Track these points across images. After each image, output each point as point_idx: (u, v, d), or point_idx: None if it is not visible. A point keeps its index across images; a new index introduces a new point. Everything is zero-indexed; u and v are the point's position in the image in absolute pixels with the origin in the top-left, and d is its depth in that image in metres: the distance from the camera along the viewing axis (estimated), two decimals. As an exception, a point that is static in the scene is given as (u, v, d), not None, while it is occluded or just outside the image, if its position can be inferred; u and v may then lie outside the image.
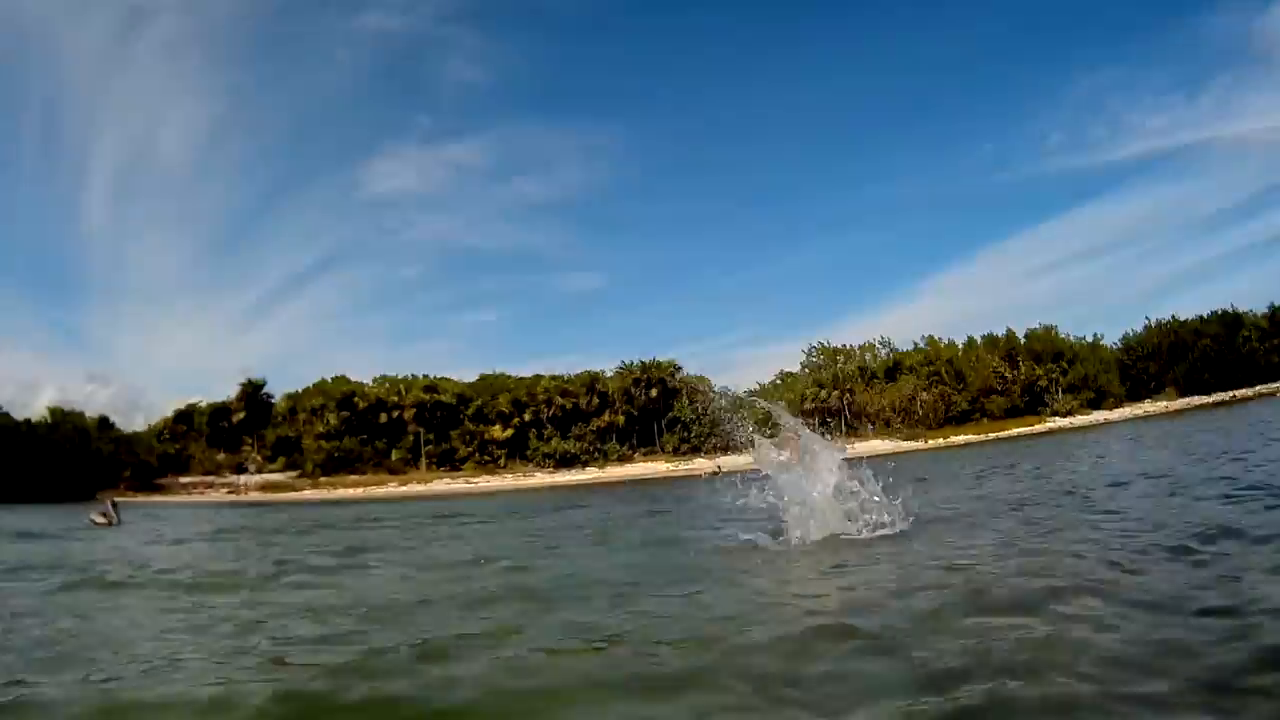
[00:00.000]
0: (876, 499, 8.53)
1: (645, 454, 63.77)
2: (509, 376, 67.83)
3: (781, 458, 8.77)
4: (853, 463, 9.09)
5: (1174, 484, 10.05)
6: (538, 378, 66.51)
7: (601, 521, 14.82)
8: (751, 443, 9.49)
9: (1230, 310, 79.72)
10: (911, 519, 8.53)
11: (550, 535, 12.47)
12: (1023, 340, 73.49)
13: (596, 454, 61.56)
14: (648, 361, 65.47)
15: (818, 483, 8.55)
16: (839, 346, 73.66)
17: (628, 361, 66.45)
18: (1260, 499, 7.43)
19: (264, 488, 63.72)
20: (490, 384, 66.38)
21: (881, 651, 4.07)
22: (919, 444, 62.58)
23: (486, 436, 62.71)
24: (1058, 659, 3.68)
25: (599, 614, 5.44)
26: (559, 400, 63.16)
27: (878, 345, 74.52)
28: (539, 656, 4.61)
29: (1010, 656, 3.78)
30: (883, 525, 8.24)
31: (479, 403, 63.86)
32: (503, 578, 7.41)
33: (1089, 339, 75.88)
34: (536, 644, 4.80)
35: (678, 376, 65.76)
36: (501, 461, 62.26)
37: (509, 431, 62.73)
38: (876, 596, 5.30)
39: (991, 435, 63.67)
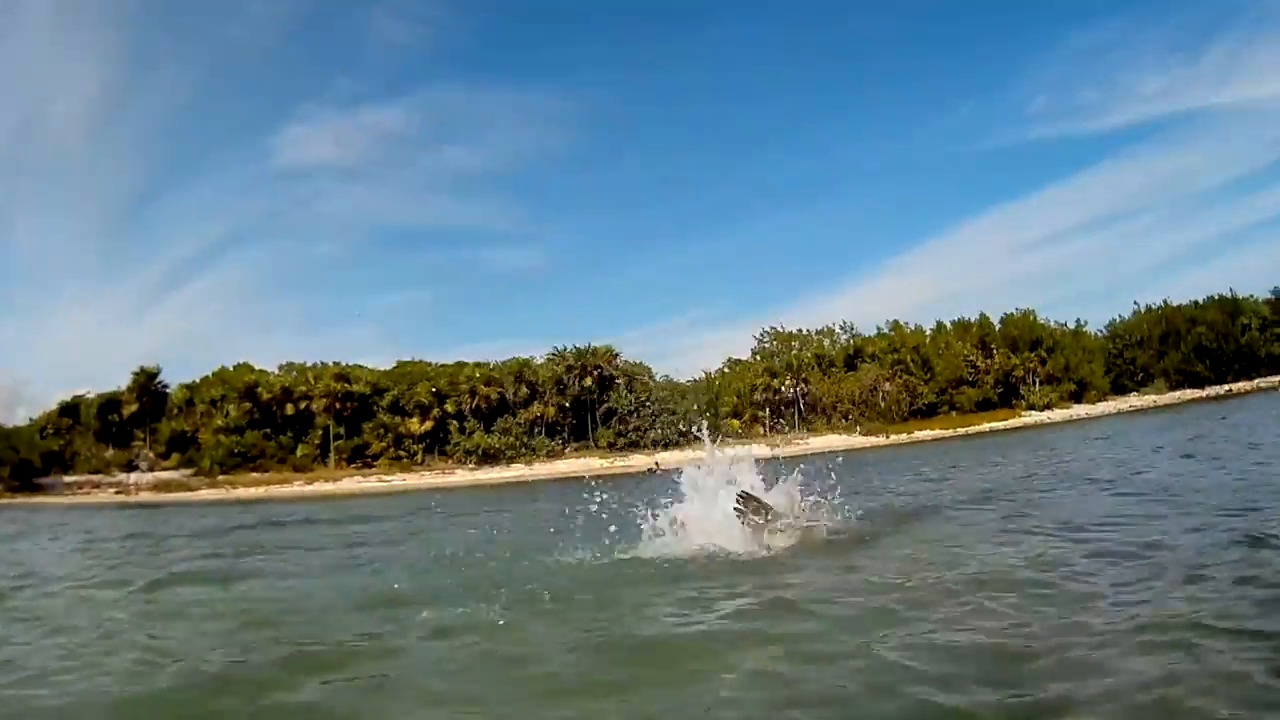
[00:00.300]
0: (775, 511, 9.20)
1: (578, 449, 64.76)
2: (429, 364, 68.52)
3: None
4: (777, 465, 10.14)
5: (1121, 491, 10.75)
6: (460, 365, 67.16)
7: (499, 525, 15.60)
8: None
9: (1229, 295, 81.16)
10: (831, 525, 9.29)
11: (434, 542, 12.83)
12: (997, 326, 74.66)
13: (524, 449, 62.31)
14: (582, 347, 66.24)
15: (713, 499, 9.39)
16: (794, 331, 75.01)
17: (560, 347, 67.32)
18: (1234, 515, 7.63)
19: (156, 487, 63.91)
20: (408, 372, 66.90)
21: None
22: (880, 439, 63.80)
23: (402, 430, 63.36)
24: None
25: (464, 623, 6.13)
26: (483, 390, 63.89)
27: (837, 330, 75.89)
28: (399, 667, 5.17)
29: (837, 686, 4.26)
30: (792, 535, 8.87)
31: (395, 393, 64.52)
32: (377, 588, 8.20)
33: (1071, 325, 77.11)
34: (399, 658, 5.39)
35: (615, 364, 66.62)
36: (419, 457, 62.90)
37: (428, 424, 63.49)
38: (720, 622, 5.68)
39: (960, 430, 65.13)
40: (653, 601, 6.50)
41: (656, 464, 52.11)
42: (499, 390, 64.26)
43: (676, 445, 62.47)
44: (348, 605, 7.17)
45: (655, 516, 9.62)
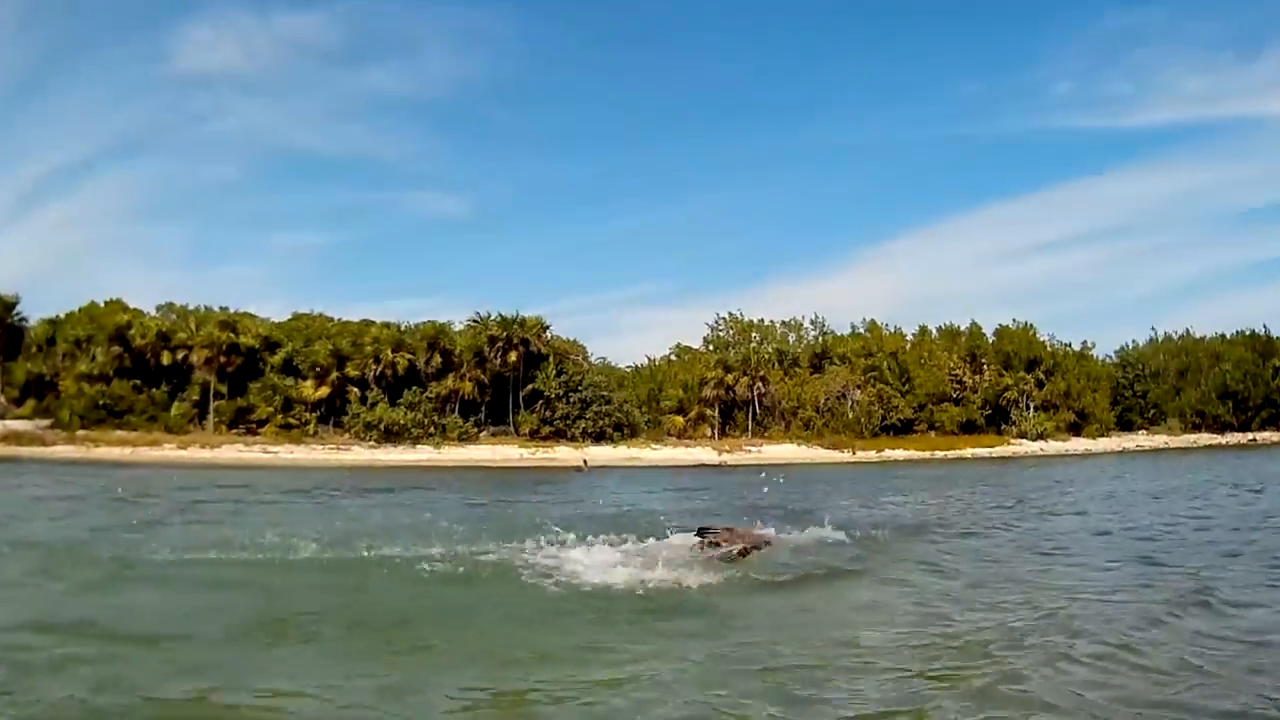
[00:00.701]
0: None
1: (495, 434, 64.25)
2: (330, 320, 67.61)
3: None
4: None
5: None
6: (367, 324, 66.13)
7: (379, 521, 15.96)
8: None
9: (1262, 333, 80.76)
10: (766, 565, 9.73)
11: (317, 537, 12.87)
12: (990, 338, 74.35)
13: (433, 429, 61.85)
14: (509, 316, 65.25)
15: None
16: (755, 321, 74.29)
17: (483, 314, 66.16)
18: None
19: (6, 438, 61.92)
20: (306, 326, 66.09)
21: None
22: (844, 454, 63.56)
23: (294, 395, 62.73)
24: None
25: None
26: (391, 356, 63.02)
27: (806, 324, 75.43)
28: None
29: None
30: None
31: (289, 350, 63.75)
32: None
33: (1075, 347, 76.95)
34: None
35: (545, 339, 65.88)
36: (311, 428, 62.55)
37: (324, 390, 62.84)
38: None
39: (938, 453, 65.62)
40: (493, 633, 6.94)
41: (585, 461, 51.38)
42: (409, 357, 63.23)
43: (609, 439, 61.30)
44: (169, 597, 7.84)
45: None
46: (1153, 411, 75.59)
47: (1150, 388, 75.98)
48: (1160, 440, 71.95)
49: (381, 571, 9.33)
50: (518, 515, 16.76)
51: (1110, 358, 79.73)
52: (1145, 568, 9.22)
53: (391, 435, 60.73)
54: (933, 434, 68.41)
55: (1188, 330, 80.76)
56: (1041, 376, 71.42)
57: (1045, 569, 9.42)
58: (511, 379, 64.10)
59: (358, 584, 8.68)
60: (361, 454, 59.97)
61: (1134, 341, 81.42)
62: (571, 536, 10.88)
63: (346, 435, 61.60)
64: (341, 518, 16.76)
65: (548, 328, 66.08)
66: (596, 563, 9.57)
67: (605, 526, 12.16)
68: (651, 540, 11.19)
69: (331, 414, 62.74)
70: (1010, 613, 7.25)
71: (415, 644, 6.28)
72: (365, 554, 10.20)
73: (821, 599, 8.27)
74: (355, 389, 62.37)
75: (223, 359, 61.85)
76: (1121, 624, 6.74)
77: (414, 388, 62.25)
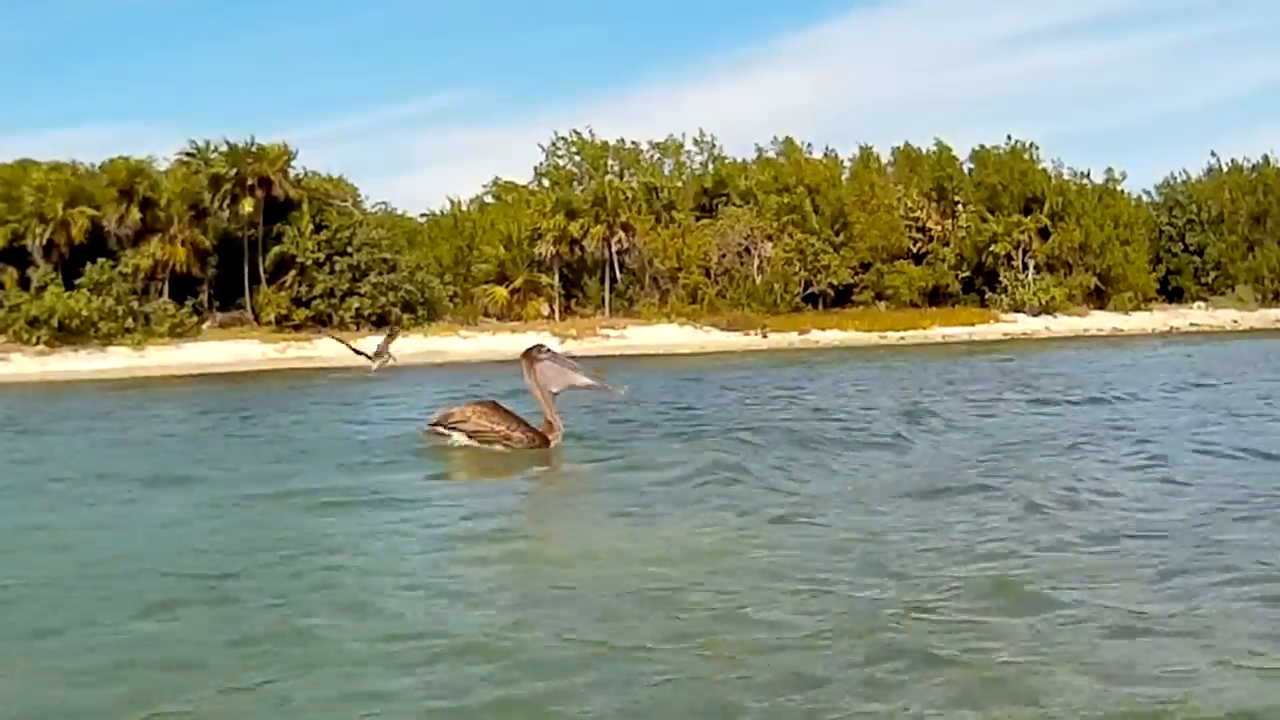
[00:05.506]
0: None
1: (226, 323, 64.05)
2: None
3: None
4: None
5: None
6: (25, 167, 64.84)
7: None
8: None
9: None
10: None
11: None
12: (966, 166, 74.27)
13: (132, 321, 60.66)
14: (239, 146, 64.23)
15: None
16: (612, 143, 73.34)
17: (201, 144, 65.28)
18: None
19: None
20: None
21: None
22: (749, 338, 63.53)
23: None
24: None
25: None
26: (65, 213, 61.55)
27: (689, 146, 74.71)
28: None
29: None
30: None
31: None
32: None
33: (1097, 179, 76.44)
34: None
35: (294, 177, 65.45)
36: None
37: None
38: None
39: (890, 335, 65.70)
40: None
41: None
42: (93, 214, 61.90)
43: (397, 325, 60.83)
44: None
45: None
46: (1214, 275, 75.68)
47: (1209, 240, 75.84)
48: (1226, 317, 71.41)
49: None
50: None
51: (1149, 197, 79.71)
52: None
53: (70, 333, 59.64)
54: (882, 305, 68.09)
55: (1266, 158, 79.01)
56: (1046, 222, 70.51)
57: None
58: (247, 240, 63.86)
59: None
60: (25, 365, 59.04)
61: (1184, 174, 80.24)
62: None
63: (2, 337, 60.26)
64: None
65: (295, 155, 65.70)
66: None
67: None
68: None
69: (-23, 306, 62.13)
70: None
71: None
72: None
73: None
74: (11, 268, 61.01)
75: None
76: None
77: (101, 260, 61.20)
